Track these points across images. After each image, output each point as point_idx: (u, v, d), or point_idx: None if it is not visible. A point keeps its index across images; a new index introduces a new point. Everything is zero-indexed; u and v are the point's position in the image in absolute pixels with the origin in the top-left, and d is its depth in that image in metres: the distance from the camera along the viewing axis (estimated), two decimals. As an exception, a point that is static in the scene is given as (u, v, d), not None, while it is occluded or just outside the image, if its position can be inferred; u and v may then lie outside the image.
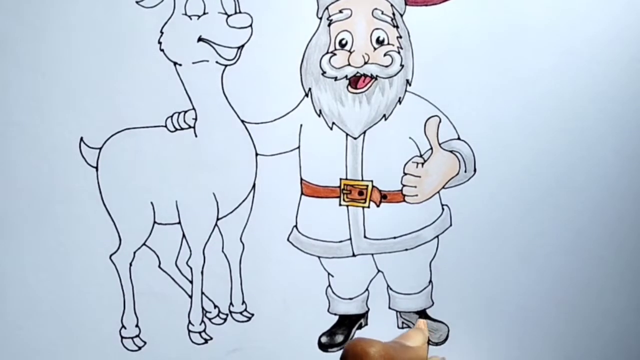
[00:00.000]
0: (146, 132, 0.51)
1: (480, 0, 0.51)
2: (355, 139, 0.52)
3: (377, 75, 0.51)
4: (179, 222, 0.52)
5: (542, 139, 0.52)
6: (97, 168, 0.51)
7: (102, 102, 0.51)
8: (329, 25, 0.50)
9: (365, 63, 0.50)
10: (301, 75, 0.51)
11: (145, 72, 0.50)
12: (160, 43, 0.50)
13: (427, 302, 0.54)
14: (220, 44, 0.50)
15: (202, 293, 0.53)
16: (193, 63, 0.50)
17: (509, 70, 0.52)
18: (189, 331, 0.53)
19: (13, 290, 0.52)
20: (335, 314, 0.54)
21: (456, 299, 0.53)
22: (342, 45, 0.50)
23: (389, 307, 0.54)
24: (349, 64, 0.51)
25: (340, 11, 0.50)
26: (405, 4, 0.51)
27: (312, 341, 0.53)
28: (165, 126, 0.51)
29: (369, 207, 0.52)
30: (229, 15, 0.50)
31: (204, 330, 0.53)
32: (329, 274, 0.53)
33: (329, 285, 0.53)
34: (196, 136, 0.51)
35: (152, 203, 0.52)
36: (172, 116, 0.51)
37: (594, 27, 0.52)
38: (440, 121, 0.52)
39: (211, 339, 0.53)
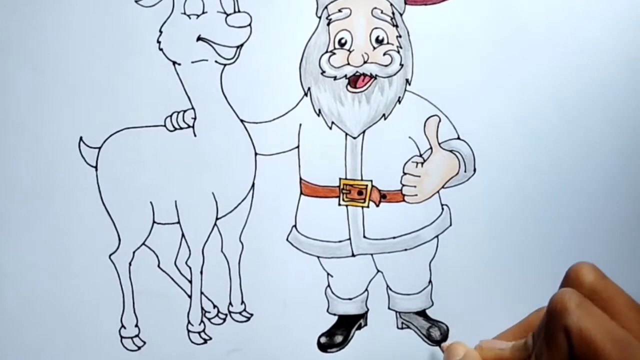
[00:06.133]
0: (145, 131, 0.51)
1: (480, 0, 0.51)
2: (354, 138, 0.52)
3: (376, 75, 0.51)
4: (178, 222, 0.52)
5: (542, 139, 0.52)
6: (96, 167, 0.51)
7: (101, 102, 0.51)
8: (328, 24, 0.50)
9: (365, 62, 0.50)
10: (300, 74, 0.51)
11: (144, 71, 0.50)
12: (159, 42, 0.50)
13: (427, 303, 0.53)
14: (219, 43, 0.50)
15: (202, 293, 0.53)
16: (192, 62, 0.50)
17: (508, 70, 0.52)
18: (188, 331, 0.53)
19: (12, 290, 0.52)
20: (334, 314, 0.53)
21: (456, 299, 0.53)
22: (342, 45, 0.50)
23: (389, 308, 0.54)
24: (349, 64, 0.50)
25: (340, 10, 0.50)
26: (405, 3, 0.51)
27: (312, 341, 0.53)
28: (165, 126, 0.51)
29: (368, 206, 0.52)
30: (228, 15, 0.50)
31: (203, 330, 0.53)
32: (328, 274, 0.53)
33: (329, 286, 0.53)
34: (195, 136, 0.51)
35: (151, 203, 0.52)
36: (171, 115, 0.51)
37: (594, 27, 0.52)
38: (440, 121, 0.52)
39: (210, 339, 0.53)
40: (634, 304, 0.39)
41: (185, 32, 0.50)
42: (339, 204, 0.52)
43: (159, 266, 0.53)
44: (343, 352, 0.53)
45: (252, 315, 0.53)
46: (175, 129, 0.51)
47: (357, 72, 0.51)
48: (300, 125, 0.51)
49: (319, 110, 0.51)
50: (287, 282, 0.53)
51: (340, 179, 0.52)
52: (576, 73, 0.52)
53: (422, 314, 0.53)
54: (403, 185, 0.52)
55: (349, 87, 0.51)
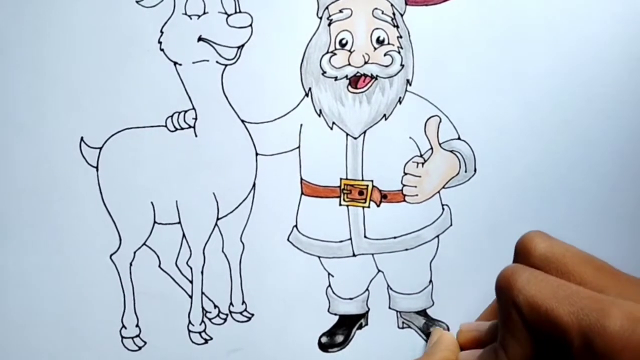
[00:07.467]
0: (146, 131, 0.51)
1: (480, 0, 0.51)
2: (355, 138, 0.52)
3: (377, 75, 0.51)
4: (179, 222, 0.52)
5: (543, 139, 0.52)
6: (97, 168, 0.51)
7: (102, 102, 0.51)
8: (329, 24, 0.50)
9: (366, 63, 0.50)
10: (301, 75, 0.51)
11: (145, 71, 0.50)
12: (160, 43, 0.50)
13: (428, 302, 0.54)
14: (220, 43, 0.50)
15: (202, 293, 0.53)
16: (193, 63, 0.50)
17: (509, 70, 0.52)
18: (189, 331, 0.53)
19: (12, 290, 0.52)
20: (335, 314, 0.53)
21: (456, 299, 0.53)
22: (342, 45, 0.50)
23: (389, 307, 0.54)
24: (349, 64, 0.50)
25: (341, 11, 0.50)
26: (406, 4, 0.51)
27: (312, 341, 0.53)
28: (166, 126, 0.51)
29: (369, 207, 0.52)
30: (229, 15, 0.50)
31: (204, 330, 0.53)
32: (329, 273, 0.53)
33: (329, 285, 0.53)
34: (196, 136, 0.51)
35: (152, 203, 0.52)
36: (172, 116, 0.51)
37: (594, 27, 0.52)
38: (440, 121, 0.52)
39: (211, 339, 0.53)
40: (588, 258, 0.38)
41: (186, 32, 0.50)
42: (340, 204, 0.52)
43: (159, 266, 0.53)
44: (344, 351, 0.53)
45: (253, 315, 0.53)
46: (176, 129, 0.51)
47: (357, 72, 0.51)
48: (301, 125, 0.52)
49: (320, 110, 0.51)
50: (288, 282, 0.53)
51: (341, 179, 0.52)
52: (576, 73, 0.52)
53: (422, 313, 0.54)
54: (404, 186, 0.52)
55: (349, 87, 0.51)
